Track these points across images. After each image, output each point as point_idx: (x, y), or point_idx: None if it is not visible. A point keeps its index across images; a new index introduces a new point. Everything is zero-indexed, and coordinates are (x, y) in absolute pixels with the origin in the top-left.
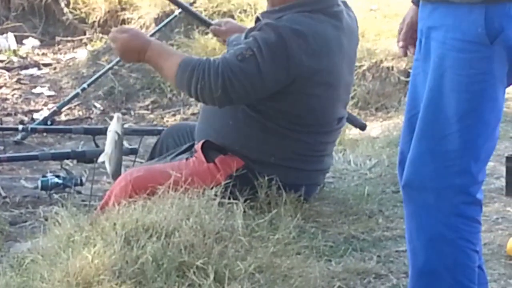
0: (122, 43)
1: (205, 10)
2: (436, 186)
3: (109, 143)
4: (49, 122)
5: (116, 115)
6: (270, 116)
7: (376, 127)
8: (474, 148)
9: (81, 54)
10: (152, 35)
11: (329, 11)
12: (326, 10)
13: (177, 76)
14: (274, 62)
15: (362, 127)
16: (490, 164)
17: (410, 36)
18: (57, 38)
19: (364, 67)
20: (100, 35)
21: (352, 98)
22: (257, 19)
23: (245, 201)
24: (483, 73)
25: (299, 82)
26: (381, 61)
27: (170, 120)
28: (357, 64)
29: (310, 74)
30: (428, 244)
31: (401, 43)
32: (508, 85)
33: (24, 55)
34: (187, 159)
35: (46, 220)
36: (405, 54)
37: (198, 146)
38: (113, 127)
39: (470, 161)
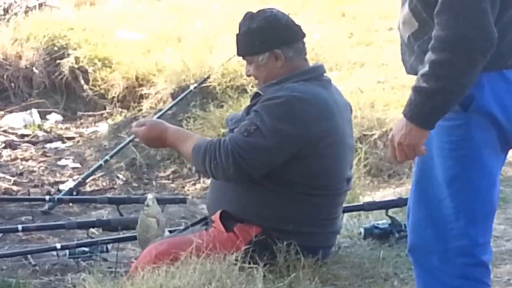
0: (142, 136)
1: (218, 85)
2: (439, 249)
3: (145, 227)
4: (74, 193)
5: (150, 197)
6: (285, 182)
7: (389, 194)
8: (468, 212)
9: (103, 128)
10: (169, 109)
11: (320, 78)
12: (318, 78)
13: (193, 159)
14: (280, 131)
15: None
16: (501, 227)
17: None
18: (79, 113)
19: (375, 136)
20: (120, 109)
21: (365, 166)
22: (256, 94)
23: (264, 265)
24: (462, 139)
25: (310, 146)
26: (391, 130)
27: (191, 189)
28: (368, 133)
29: (319, 137)
30: None
31: None
32: (505, 150)
33: (48, 130)
34: (206, 229)
35: (74, 286)
36: None
37: (216, 216)
38: (153, 211)
39: (467, 224)
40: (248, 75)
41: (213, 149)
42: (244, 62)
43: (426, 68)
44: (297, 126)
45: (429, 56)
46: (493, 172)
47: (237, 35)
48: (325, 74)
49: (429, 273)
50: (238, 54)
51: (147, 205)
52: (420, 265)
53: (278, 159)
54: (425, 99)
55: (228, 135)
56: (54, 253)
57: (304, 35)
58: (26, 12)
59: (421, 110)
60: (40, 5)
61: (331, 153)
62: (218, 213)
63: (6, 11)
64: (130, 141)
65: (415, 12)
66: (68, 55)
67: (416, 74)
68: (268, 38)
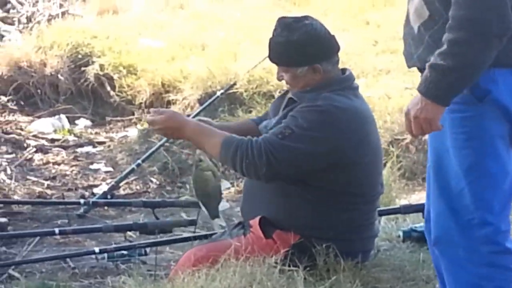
0: (161, 123)
1: (245, 91)
2: (463, 239)
3: (203, 182)
4: (109, 196)
5: (199, 152)
6: (326, 191)
7: (424, 197)
8: (485, 201)
9: (132, 132)
10: (197, 114)
11: (353, 87)
12: (351, 86)
13: (221, 155)
14: (316, 137)
15: None
16: None
17: None
18: (107, 118)
19: (407, 140)
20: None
21: (399, 169)
22: (290, 100)
23: (304, 268)
24: (477, 129)
25: (351, 154)
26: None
27: (225, 192)
28: (399, 137)
29: (360, 146)
30: None
31: None
32: None
33: (78, 134)
34: (244, 234)
35: None
36: None
37: (255, 222)
38: (207, 164)
39: (485, 213)
40: (280, 80)
41: (245, 148)
42: (268, 65)
43: (444, 46)
44: (334, 135)
45: (446, 35)
46: (506, 162)
47: (272, 41)
48: (355, 81)
49: (457, 264)
50: (272, 61)
51: (200, 160)
52: (446, 257)
53: (311, 165)
54: (441, 76)
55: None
56: (93, 256)
57: (339, 47)
58: (49, 20)
59: (437, 87)
60: (63, 13)
61: (370, 160)
62: (257, 219)
63: (29, 19)
64: (161, 145)
65: (428, 1)
66: (93, 62)
67: (423, 66)
68: (309, 53)
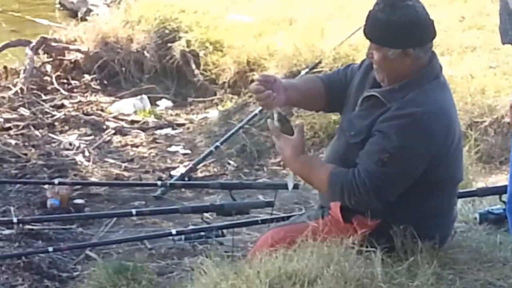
0: (278, 145)
1: (330, 70)
2: None
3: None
4: (186, 178)
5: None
6: (414, 187)
7: (501, 180)
8: None
9: (213, 114)
10: None
11: (437, 75)
12: (436, 75)
13: (329, 192)
14: (415, 153)
15: None
16: None
17: None
18: (189, 99)
19: (486, 123)
20: (230, 95)
21: (476, 152)
22: (372, 97)
23: (381, 250)
24: None
25: (442, 153)
26: (502, 117)
27: None
28: (478, 120)
29: (448, 142)
30: None
31: None
32: None
33: (159, 116)
34: (322, 217)
35: (192, 270)
36: None
37: (335, 205)
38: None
39: None
40: (368, 57)
41: (351, 186)
42: (355, 42)
43: None
44: (429, 143)
45: None
46: None
47: (371, 14)
48: (439, 68)
49: None
50: (366, 36)
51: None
52: None
53: (415, 177)
54: None
55: (357, 159)
56: (170, 237)
57: (436, 34)
58: None
59: None
60: None
61: (458, 153)
62: (338, 203)
63: None
64: (240, 127)
65: None
66: (179, 38)
67: None
68: (406, 36)
